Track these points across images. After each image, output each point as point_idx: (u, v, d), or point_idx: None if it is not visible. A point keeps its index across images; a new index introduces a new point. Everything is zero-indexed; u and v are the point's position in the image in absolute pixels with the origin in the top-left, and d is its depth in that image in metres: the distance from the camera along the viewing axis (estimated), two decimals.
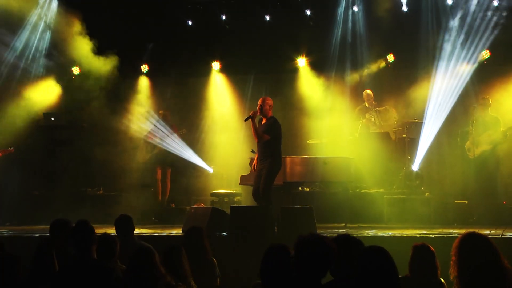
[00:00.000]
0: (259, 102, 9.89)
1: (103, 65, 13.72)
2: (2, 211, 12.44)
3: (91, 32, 13.57)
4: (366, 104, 13.21)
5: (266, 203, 9.76)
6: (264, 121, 9.86)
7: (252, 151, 10.18)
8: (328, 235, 8.56)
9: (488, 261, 4.74)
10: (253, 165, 10.21)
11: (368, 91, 13.30)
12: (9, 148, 12.08)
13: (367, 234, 9.02)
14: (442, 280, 5.71)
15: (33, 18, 13.88)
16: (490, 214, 10.72)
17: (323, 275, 4.42)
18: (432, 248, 5.67)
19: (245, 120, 9.84)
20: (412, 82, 13.52)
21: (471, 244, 4.88)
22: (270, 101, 9.93)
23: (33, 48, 14.10)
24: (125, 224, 7.30)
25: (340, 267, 4.53)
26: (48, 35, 14.17)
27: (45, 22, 14.00)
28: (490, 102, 11.75)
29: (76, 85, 14.38)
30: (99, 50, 13.66)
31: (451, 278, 5.05)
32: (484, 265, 4.72)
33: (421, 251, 5.66)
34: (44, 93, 14.37)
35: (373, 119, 12.92)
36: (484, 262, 4.73)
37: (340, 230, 9.65)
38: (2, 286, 5.09)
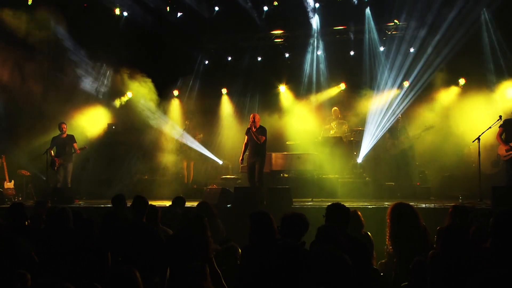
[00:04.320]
0: (252, 117, 10.09)
1: (147, 91, 13.76)
2: (80, 189, 12.47)
3: (138, 67, 13.64)
4: (333, 117, 13.17)
5: (260, 185, 9.86)
6: (254, 129, 9.97)
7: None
8: (302, 207, 8.68)
9: (408, 216, 5.03)
10: (240, 160, 10.55)
11: (335, 108, 13.24)
12: (84, 147, 12.04)
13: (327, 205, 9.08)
14: (369, 233, 5.79)
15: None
16: (409, 192, 10.81)
17: (298, 240, 4.43)
18: (359, 212, 5.81)
19: (251, 131, 9.98)
20: (357, 102, 13.51)
21: (399, 208, 5.15)
22: (258, 116, 10.31)
23: (100, 80, 14.18)
24: (180, 201, 7.39)
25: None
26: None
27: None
28: (400, 117, 11.86)
29: (129, 104, 14.41)
30: (144, 86, 13.77)
31: (387, 230, 5.19)
32: (406, 220, 4.98)
33: (353, 214, 5.76)
34: (107, 110, 14.41)
35: (334, 126, 12.92)
36: (406, 218, 5.00)
37: (308, 203, 9.67)
38: (83, 240, 5.14)
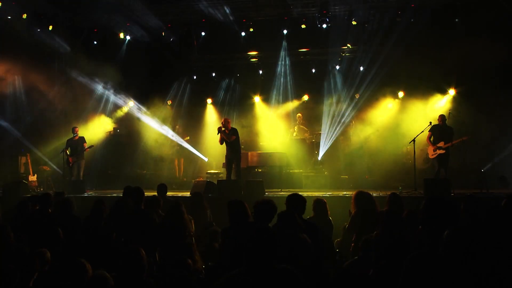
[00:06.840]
0: (223, 121, 10.11)
1: (145, 101, 13.68)
2: (91, 182, 12.38)
3: (138, 80, 13.53)
4: (297, 122, 13.32)
5: (238, 178, 9.89)
6: (227, 131, 9.97)
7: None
8: (273, 196, 8.76)
9: (367, 201, 5.16)
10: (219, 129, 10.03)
11: (299, 114, 13.44)
12: (91, 145, 11.94)
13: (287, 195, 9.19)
14: (330, 218, 5.88)
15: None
16: (360, 183, 10.97)
17: (269, 222, 4.50)
18: (325, 200, 5.86)
19: (218, 133, 9.96)
20: (318, 110, 13.59)
21: (361, 194, 5.31)
22: (229, 120, 10.25)
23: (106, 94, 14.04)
24: (163, 188, 7.39)
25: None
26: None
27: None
28: (353, 122, 12.04)
29: (130, 112, 14.28)
30: (143, 97, 13.66)
31: (349, 213, 5.23)
32: (365, 203, 5.11)
33: (319, 201, 5.83)
34: (113, 116, 14.29)
35: (296, 130, 13.08)
36: (365, 202, 5.17)
37: (278, 193, 9.73)
38: (95, 220, 5.14)
